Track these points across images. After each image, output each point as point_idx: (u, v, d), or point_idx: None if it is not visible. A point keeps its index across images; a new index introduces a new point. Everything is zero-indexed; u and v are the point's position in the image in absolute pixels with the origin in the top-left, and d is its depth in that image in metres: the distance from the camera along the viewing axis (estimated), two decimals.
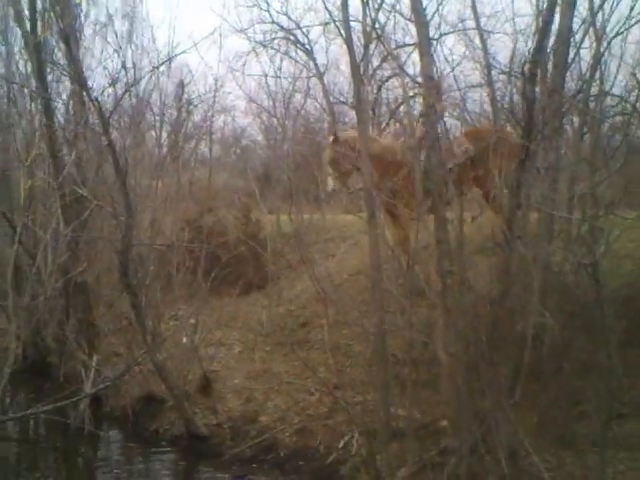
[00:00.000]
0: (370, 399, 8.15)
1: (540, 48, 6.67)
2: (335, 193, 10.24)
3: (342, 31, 11.62)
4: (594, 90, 7.98)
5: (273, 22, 18.26)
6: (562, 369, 6.95)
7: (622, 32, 7.64)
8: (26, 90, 13.50)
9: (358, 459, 7.52)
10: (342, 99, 20.04)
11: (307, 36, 18.58)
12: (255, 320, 12.65)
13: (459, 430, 6.73)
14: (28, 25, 11.39)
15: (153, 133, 19.04)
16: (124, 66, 10.43)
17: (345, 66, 19.27)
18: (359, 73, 7.66)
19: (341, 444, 7.92)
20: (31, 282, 10.46)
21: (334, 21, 15.82)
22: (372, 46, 15.06)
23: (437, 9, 14.75)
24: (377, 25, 14.41)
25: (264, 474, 8.15)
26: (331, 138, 9.81)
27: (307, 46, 18.65)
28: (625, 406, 6.91)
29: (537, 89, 6.87)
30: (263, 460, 8.35)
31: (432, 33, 7.45)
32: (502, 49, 13.71)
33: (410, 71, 8.29)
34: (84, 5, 13.70)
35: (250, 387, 9.78)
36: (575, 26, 7.66)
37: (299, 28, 18.35)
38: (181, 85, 21.40)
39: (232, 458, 8.46)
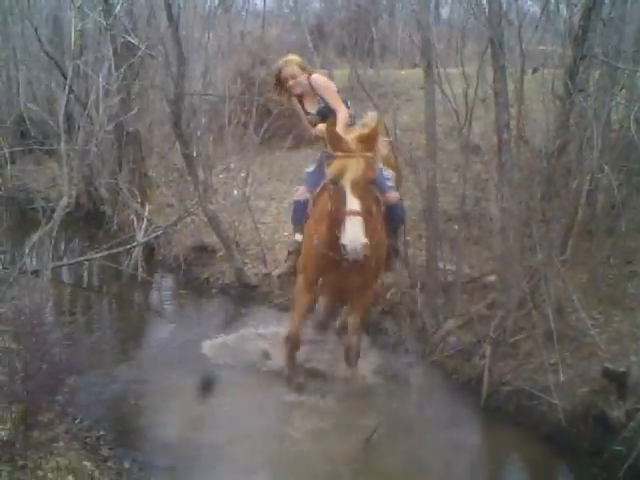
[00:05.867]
0: (419, 254, 8.18)
1: None
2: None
3: None
4: None
5: None
6: (615, 228, 6.87)
7: None
8: None
9: (404, 310, 7.61)
10: None
11: None
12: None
13: (508, 285, 6.75)
14: None
15: None
16: None
17: None
18: None
19: (388, 295, 7.97)
20: (83, 130, 10.46)
21: None
22: None
23: None
24: None
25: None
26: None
27: None
28: None
29: None
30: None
31: None
32: None
33: None
34: None
35: (300, 239, 9.84)
36: None
37: None
38: None
39: (280, 305, 8.63)
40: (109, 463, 5.08)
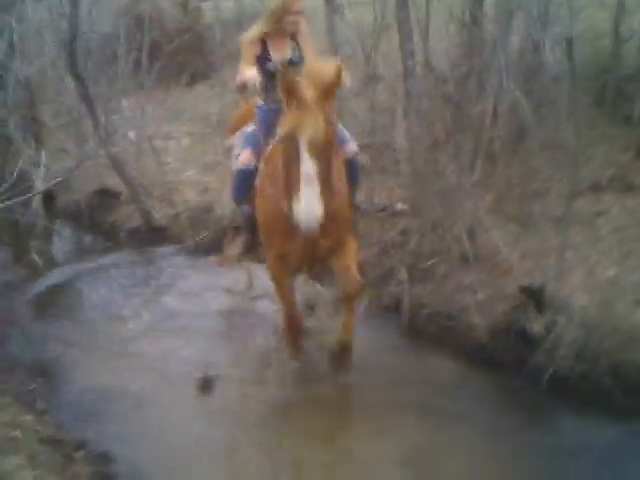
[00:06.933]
0: None
1: None
2: None
3: None
4: None
5: None
6: (519, 149, 7.09)
7: None
8: None
9: None
10: None
11: None
12: (202, 112, 12.46)
13: (420, 210, 6.90)
14: None
15: None
16: None
17: None
18: None
19: None
20: None
21: None
22: None
23: None
24: None
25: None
26: None
27: None
28: (579, 182, 7.05)
29: None
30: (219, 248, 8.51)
31: None
32: None
33: None
34: None
35: (205, 178, 9.78)
36: None
37: None
38: None
39: (191, 246, 8.60)
40: (46, 416, 5.08)
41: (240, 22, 15.24)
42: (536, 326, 5.55)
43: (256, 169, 5.63)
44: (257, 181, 5.59)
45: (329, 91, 4.71)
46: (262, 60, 5.55)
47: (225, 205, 8.90)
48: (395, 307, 6.66)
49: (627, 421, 4.84)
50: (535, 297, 5.64)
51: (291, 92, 4.66)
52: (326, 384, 5.70)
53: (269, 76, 5.51)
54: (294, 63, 5.44)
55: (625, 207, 7.08)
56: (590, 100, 6.94)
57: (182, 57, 12.50)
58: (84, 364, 6.11)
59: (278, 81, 4.80)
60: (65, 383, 5.85)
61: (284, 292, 5.75)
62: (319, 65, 4.94)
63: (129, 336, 6.62)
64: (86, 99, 8.55)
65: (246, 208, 5.88)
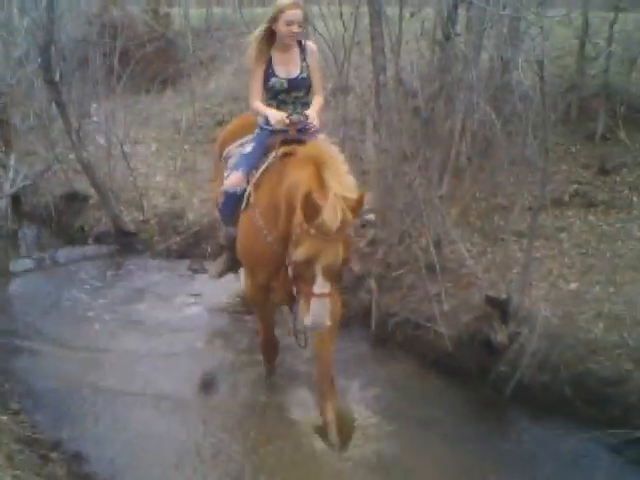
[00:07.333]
0: None
1: None
2: None
3: None
4: None
5: None
6: (485, 165, 7.26)
7: None
8: None
9: None
10: None
11: None
12: (170, 118, 12.52)
13: (388, 221, 7.03)
14: None
15: None
16: None
17: None
18: None
19: None
20: None
21: None
22: None
23: None
24: None
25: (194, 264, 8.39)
26: None
27: None
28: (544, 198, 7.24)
29: None
30: (191, 254, 8.59)
31: None
32: None
33: None
34: None
35: (174, 184, 9.85)
36: None
37: None
38: None
39: (161, 252, 8.68)
40: (21, 416, 5.13)
41: (209, 29, 15.50)
42: (500, 336, 5.70)
43: (244, 193, 5.42)
44: (243, 205, 5.39)
45: (351, 218, 4.45)
46: (266, 75, 5.34)
47: (195, 211, 9.08)
48: (364, 315, 6.77)
49: (587, 430, 4.98)
50: (500, 308, 5.79)
51: (313, 218, 4.34)
52: (295, 391, 5.80)
53: (273, 92, 5.39)
54: (296, 83, 5.34)
55: (587, 222, 7.36)
56: (556, 118, 7.12)
57: (152, 63, 12.54)
58: (54, 364, 6.18)
59: (302, 200, 4.39)
60: (37, 383, 5.87)
61: (264, 317, 5.72)
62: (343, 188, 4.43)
63: (97, 338, 6.69)
64: (58, 104, 8.55)
65: (231, 230, 5.74)
